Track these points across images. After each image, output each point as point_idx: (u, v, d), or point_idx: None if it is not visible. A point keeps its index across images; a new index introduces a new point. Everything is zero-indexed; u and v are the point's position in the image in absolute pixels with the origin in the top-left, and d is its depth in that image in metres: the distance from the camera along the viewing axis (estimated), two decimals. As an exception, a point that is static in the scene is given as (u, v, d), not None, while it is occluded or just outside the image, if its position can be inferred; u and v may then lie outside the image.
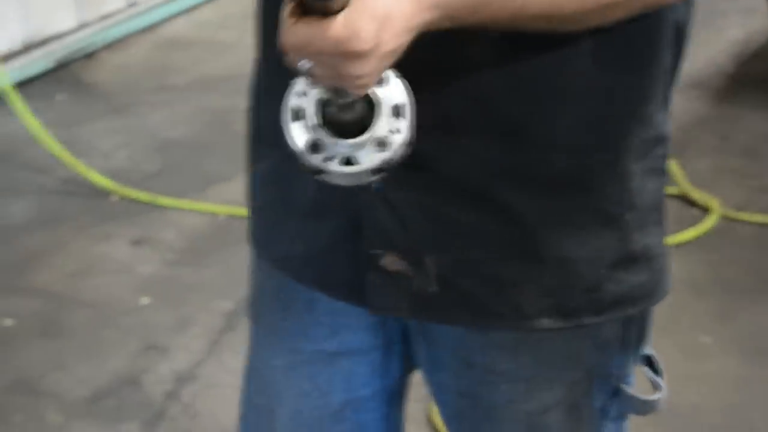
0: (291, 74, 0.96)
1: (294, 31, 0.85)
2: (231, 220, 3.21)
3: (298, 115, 0.96)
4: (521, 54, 1.04)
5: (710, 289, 2.87)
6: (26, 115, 3.50)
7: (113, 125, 3.79)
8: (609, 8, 0.98)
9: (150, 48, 4.43)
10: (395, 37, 0.88)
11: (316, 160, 0.95)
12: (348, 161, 0.95)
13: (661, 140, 1.14)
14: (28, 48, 4.22)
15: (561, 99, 1.07)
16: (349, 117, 0.94)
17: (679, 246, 3.02)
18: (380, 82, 0.95)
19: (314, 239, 1.16)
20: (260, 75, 1.24)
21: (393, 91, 0.95)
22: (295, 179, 1.15)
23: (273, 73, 1.16)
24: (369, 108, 0.95)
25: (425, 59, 0.97)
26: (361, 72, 0.87)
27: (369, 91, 0.93)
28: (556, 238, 1.11)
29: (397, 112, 0.95)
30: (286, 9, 0.85)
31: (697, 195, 3.30)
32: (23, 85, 3.94)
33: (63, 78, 4.12)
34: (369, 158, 0.94)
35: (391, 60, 0.91)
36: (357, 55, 0.86)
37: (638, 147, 1.12)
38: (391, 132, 0.94)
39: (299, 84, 0.95)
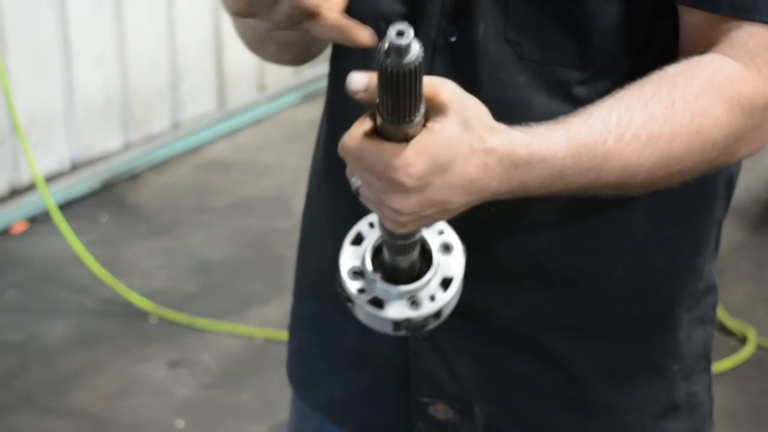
0: (336, 218, 0.99)
1: (355, 138, 0.87)
2: (268, 343, 3.23)
3: (358, 240, 0.98)
4: (580, 212, 1.07)
5: (747, 420, 2.84)
6: (70, 236, 3.57)
7: (154, 246, 3.85)
8: (677, 174, 1.01)
9: (192, 169, 4.51)
10: (448, 190, 0.89)
11: (351, 286, 0.96)
12: (378, 302, 0.96)
13: (710, 290, 1.17)
14: (75, 168, 4.32)
15: (615, 253, 1.10)
16: (401, 262, 0.95)
17: (715, 376, 3.00)
18: (439, 232, 0.96)
19: (357, 386, 1.17)
20: (311, 212, 1.26)
21: (452, 262, 0.96)
22: (334, 326, 1.17)
23: (322, 218, 1.19)
24: (424, 263, 0.96)
25: (484, 213, 1.00)
26: (399, 206, 0.88)
27: (430, 248, 0.95)
28: (604, 388, 1.12)
29: (446, 283, 0.95)
30: (361, 118, 0.88)
31: (733, 324, 3.28)
32: (69, 205, 4.03)
33: (107, 198, 4.21)
34: (396, 310, 0.95)
35: (442, 211, 0.91)
36: (400, 187, 0.87)
37: (689, 298, 1.14)
38: (430, 298, 0.95)
39: (373, 215, 0.97)
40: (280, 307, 3.23)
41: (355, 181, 0.91)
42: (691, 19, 1.04)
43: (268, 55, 1.20)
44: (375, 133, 0.86)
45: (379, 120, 0.86)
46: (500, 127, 0.92)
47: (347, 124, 0.89)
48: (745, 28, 1.01)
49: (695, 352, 1.17)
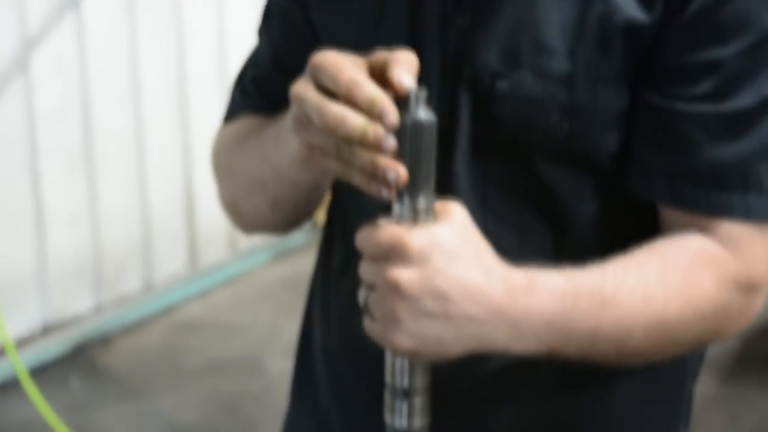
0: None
1: (372, 225, 0.92)
2: None
3: None
4: (563, 390, 1.09)
5: None
6: (40, 402, 3.52)
7: (125, 410, 3.81)
8: (671, 342, 1.04)
9: (164, 331, 4.49)
10: (449, 280, 0.91)
11: None
12: None
13: None
14: (46, 331, 4.29)
15: (598, 427, 1.12)
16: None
17: None
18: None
19: None
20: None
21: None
22: None
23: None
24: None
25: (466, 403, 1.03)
26: (399, 277, 0.90)
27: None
28: None
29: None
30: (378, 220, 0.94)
31: (710, 479, 3.26)
32: (40, 370, 3.98)
33: (78, 362, 4.17)
34: None
35: (443, 317, 0.91)
36: (402, 251, 0.90)
37: None
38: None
39: None
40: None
41: (361, 293, 0.95)
42: (670, 215, 1.08)
43: (255, 217, 1.23)
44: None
45: (393, 212, 0.93)
46: (500, 260, 0.96)
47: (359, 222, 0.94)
48: (723, 222, 1.05)
49: None
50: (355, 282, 0.97)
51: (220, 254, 5.10)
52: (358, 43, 1.07)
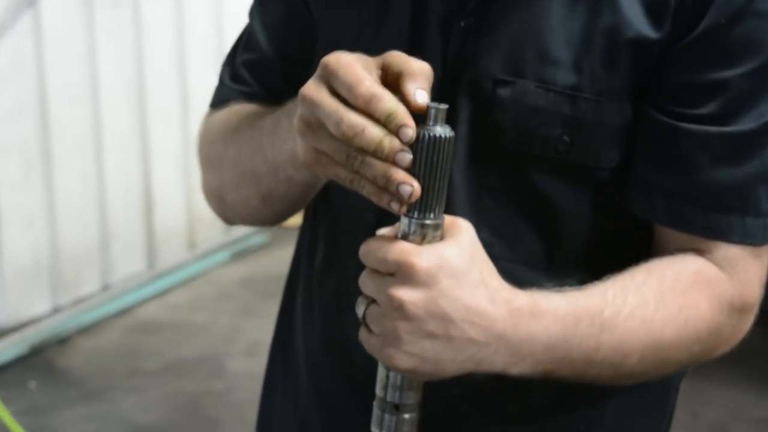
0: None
1: (377, 238, 0.91)
2: None
3: None
4: (556, 410, 1.12)
5: None
6: (-2, 405, 3.49)
7: (85, 412, 3.77)
8: (665, 363, 1.04)
9: (123, 332, 4.46)
10: (454, 302, 0.90)
11: None
12: None
13: None
14: (3, 333, 4.25)
15: None
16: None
17: None
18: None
19: None
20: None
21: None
22: None
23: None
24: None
25: (456, 412, 1.02)
26: (404, 296, 0.89)
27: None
28: None
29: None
30: (383, 230, 0.92)
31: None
32: (-4, 373, 3.95)
33: (36, 364, 4.13)
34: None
35: (444, 339, 0.90)
36: (409, 271, 0.88)
37: None
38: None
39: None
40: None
41: (360, 305, 0.93)
42: (666, 233, 1.08)
43: (243, 209, 1.20)
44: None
45: (400, 225, 0.91)
46: (503, 281, 0.95)
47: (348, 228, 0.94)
48: (721, 244, 1.05)
49: None
50: (340, 283, 0.96)
51: (179, 254, 5.07)
52: (358, 40, 1.05)
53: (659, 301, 1.01)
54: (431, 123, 0.89)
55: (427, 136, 0.88)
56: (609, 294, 1.00)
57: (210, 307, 4.70)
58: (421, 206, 0.90)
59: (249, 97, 1.23)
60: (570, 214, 1.07)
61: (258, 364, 4.27)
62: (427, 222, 0.91)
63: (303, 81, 0.92)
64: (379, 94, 0.87)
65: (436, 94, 1.02)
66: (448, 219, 0.92)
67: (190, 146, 5.01)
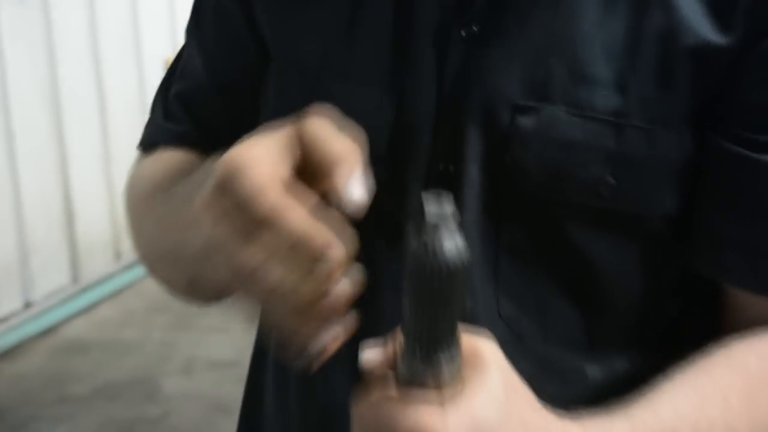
0: None
1: (377, 404, 0.65)
2: None
3: None
4: None
5: None
6: None
7: (9, 446, 3.54)
8: None
9: (48, 353, 4.25)
10: None
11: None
12: None
13: None
14: None
15: None
16: None
17: None
18: None
19: None
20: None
21: None
22: None
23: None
24: None
25: None
26: None
27: None
28: None
29: None
30: (377, 376, 0.67)
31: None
32: None
33: (-47, 394, 3.89)
34: None
35: None
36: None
37: None
38: None
39: None
40: None
41: None
42: (743, 299, 0.86)
43: (172, 290, 0.95)
44: (399, 391, 0.65)
45: (401, 366, 0.65)
46: (550, 414, 0.71)
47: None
48: None
49: None
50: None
51: (105, 266, 4.91)
52: (323, 58, 0.83)
53: (745, 407, 0.79)
54: (430, 227, 0.61)
55: (424, 255, 0.61)
56: (686, 410, 0.77)
57: (141, 322, 4.51)
58: (429, 347, 0.64)
59: (179, 140, 1.00)
60: (615, 278, 0.84)
61: (195, 384, 4.08)
62: (442, 365, 0.65)
63: (245, 115, 0.78)
64: (309, 233, 0.64)
65: (432, 128, 0.78)
66: (465, 344, 0.67)
67: (111, 150, 4.93)
